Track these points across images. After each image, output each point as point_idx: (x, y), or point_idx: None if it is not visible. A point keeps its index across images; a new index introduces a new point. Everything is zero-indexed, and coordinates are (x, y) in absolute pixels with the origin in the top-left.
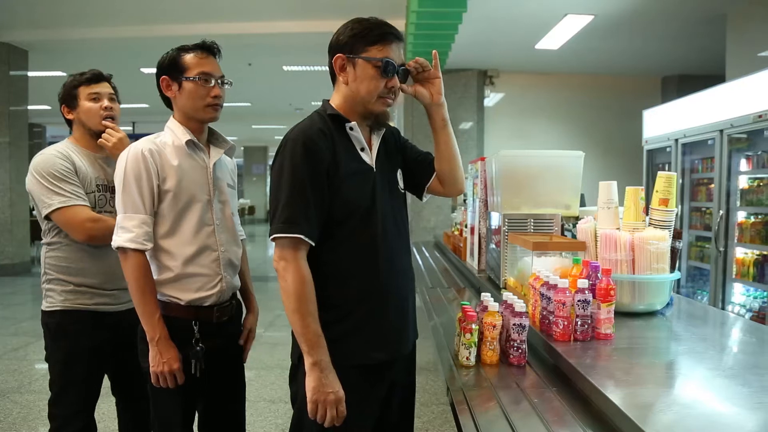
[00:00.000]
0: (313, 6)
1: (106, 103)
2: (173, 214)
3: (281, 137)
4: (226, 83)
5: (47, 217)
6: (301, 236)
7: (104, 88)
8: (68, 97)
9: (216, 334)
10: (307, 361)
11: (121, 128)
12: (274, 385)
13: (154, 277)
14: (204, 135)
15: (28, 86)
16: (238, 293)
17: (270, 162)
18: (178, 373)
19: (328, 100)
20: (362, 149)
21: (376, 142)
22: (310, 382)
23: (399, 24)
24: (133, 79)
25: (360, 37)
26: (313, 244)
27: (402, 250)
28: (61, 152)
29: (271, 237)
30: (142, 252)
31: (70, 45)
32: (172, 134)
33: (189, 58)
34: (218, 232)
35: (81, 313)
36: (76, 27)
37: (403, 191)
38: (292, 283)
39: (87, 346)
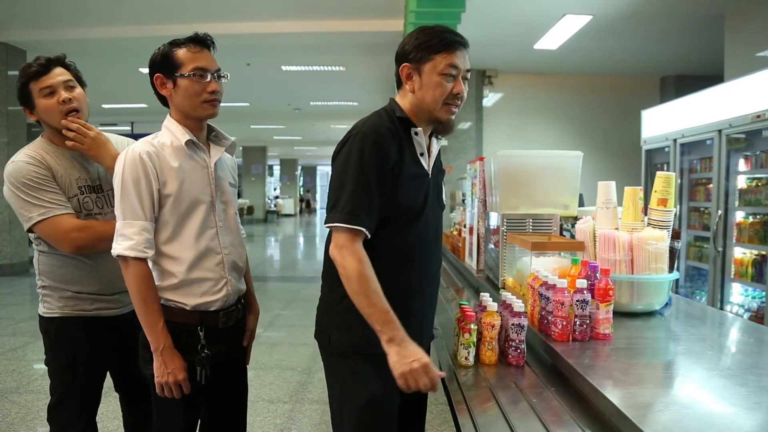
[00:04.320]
0: (311, 6)
1: (63, 95)
2: (175, 218)
3: (280, 137)
4: (223, 77)
5: (30, 230)
6: (362, 228)
7: (56, 77)
8: (23, 98)
9: (221, 340)
10: (383, 339)
11: (120, 128)
12: (273, 385)
13: (157, 283)
14: (203, 133)
15: None
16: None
17: (269, 162)
18: (184, 382)
19: (394, 99)
20: (422, 154)
21: (435, 149)
22: (391, 359)
23: (398, 24)
24: (132, 80)
25: (425, 47)
26: (369, 237)
27: (435, 257)
28: (34, 157)
29: (330, 225)
30: (143, 260)
31: (68, 45)
32: (170, 134)
33: (182, 53)
34: (221, 234)
35: (82, 320)
36: (75, 27)
37: (444, 204)
38: (351, 266)
39: (88, 353)
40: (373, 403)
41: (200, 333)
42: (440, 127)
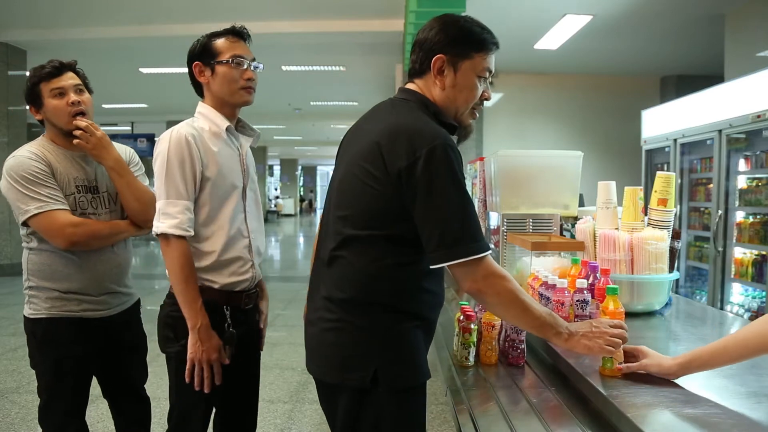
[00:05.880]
0: (311, 6)
1: (72, 97)
2: (213, 201)
3: (280, 137)
4: (258, 67)
5: (25, 224)
6: (490, 253)
7: (68, 80)
8: (32, 97)
9: (242, 322)
10: (560, 340)
11: (120, 128)
12: (273, 385)
13: None
14: (234, 121)
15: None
16: None
17: (269, 162)
18: (216, 363)
19: (420, 93)
20: None
21: None
22: (582, 349)
23: (398, 24)
24: (132, 80)
25: (466, 41)
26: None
27: None
28: (35, 153)
29: (460, 261)
30: (184, 239)
31: (68, 45)
32: (208, 121)
33: (220, 42)
34: (249, 220)
35: (68, 321)
36: (75, 27)
37: None
38: (505, 288)
39: (75, 355)
40: None
41: (226, 312)
42: (460, 132)
